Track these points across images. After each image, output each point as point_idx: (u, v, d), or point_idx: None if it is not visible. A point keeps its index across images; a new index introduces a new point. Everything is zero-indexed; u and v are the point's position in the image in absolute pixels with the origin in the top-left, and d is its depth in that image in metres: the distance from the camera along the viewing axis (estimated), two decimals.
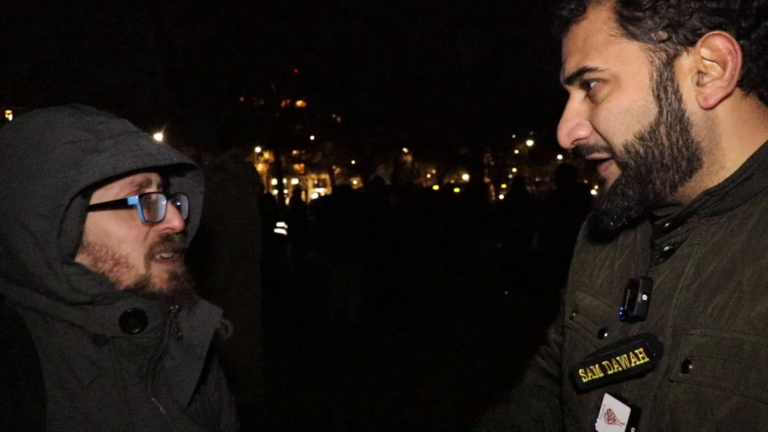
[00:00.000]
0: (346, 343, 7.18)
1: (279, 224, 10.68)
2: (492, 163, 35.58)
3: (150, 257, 1.06)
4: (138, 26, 17.17)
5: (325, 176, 49.18)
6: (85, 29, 16.20)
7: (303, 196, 14.79)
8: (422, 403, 5.17)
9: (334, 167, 42.21)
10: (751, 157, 0.85)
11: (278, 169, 32.47)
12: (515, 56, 21.04)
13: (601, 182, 0.97)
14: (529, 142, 37.18)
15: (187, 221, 1.16)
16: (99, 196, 1.02)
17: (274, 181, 38.14)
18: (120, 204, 1.03)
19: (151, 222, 1.06)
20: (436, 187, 26.60)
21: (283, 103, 24.51)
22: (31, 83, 18.14)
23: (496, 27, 20.49)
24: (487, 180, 32.69)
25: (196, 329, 1.12)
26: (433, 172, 46.28)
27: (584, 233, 1.20)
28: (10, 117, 27.60)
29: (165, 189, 1.13)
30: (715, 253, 0.86)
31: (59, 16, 15.78)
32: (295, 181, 47.14)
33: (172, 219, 1.08)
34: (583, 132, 0.94)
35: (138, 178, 1.05)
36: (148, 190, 1.06)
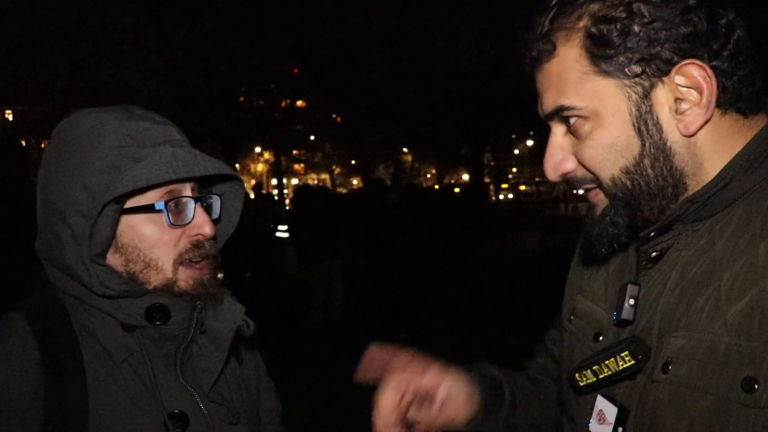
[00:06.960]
0: (330, 339, 7.26)
1: (281, 227, 10.61)
2: (492, 163, 35.59)
3: (179, 262, 1.12)
4: (138, 26, 17.06)
5: (325, 176, 49.20)
6: (85, 29, 16.16)
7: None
8: None
9: (334, 167, 42.24)
10: (728, 164, 0.86)
11: (278, 169, 32.50)
12: (515, 56, 20.96)
13: (591, 207, 0.99)
14: (529, 142, 37.17)
15: (217, 221, 1.20)
16: (134, 201, 1.08)
17: (274, 181, 38.17)
18: (148, 208, 1.09)
19: (178, 225, 1.11)
20: (436, 187, 26.61)
21: (283, 103, 24.48)
22: (31, 83, 18.14)
23: (496, 26, 20.48)
24: (487, 180, 32.68)
25: (220, 324, 1.18)
26: (433, 172, 46.28)
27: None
28: (10, 117, 27.60)
29: (201, 195, 1.18)
30: (698, 258, 0.88)
31: (59, 16, 15.74)
32: (295, 181, 47.12)
33: (203, 225, 1.13)
34: (570, 165, 0.95)
35: (172, 186, 1.10)
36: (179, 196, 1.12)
